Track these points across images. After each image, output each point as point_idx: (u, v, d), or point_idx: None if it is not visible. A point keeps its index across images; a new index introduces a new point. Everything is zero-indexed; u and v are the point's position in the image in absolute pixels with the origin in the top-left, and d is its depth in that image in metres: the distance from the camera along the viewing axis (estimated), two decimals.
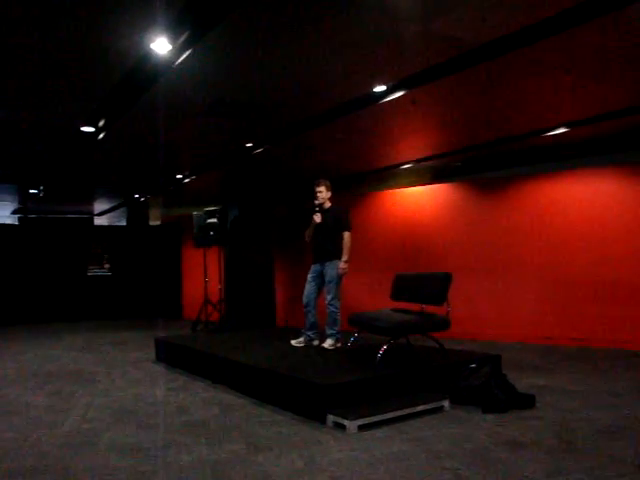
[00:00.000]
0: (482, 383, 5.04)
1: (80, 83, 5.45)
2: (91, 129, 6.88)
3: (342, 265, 6.39)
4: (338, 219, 6.50)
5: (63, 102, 6.02)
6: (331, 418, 4.51)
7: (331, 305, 6.42)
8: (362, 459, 3.73)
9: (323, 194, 6.58)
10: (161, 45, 4.42)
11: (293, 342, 6.69)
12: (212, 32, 4.30)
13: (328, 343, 6.39)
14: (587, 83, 5.82)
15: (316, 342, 6.62)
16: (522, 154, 9.08)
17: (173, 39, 4.33)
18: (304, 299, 6.62)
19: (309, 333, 6.64)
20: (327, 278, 6.45)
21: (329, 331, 6.44)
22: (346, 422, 4.36)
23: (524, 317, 8.87)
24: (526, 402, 4.96)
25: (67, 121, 6.64)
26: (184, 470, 3.60)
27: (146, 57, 4.71)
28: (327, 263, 6.46)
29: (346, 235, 6.43)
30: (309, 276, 6.62)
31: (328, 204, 6.63)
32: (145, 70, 5.00)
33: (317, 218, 6.53)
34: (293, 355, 6.14)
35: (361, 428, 4.35)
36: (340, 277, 6.43)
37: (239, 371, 5.87)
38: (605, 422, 4.44)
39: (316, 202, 6.60)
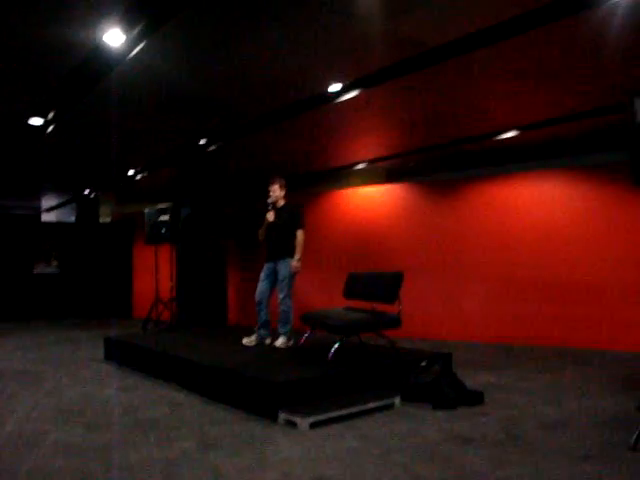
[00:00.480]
0: (432, 380, 5.11)
1: (29, 74, 5.31)
2: (40, 121, 6.70)
3: (294, 263, 6.38)
4: (291, 217, 6.48)
5: (10, 93, 5.85)
6: (282, 416, 4.50)
7: (283, 304, 6.40)
8: (314, 456, 3.73)
9: (277, 192, 6.55)
10: (114, 36, 4.35)
11: (245, 340, 6.65)
12: (167, 25, 4.26)
13: (280, 341, 6.38)
14: (539, 87, 5.98)
15: (268, 340, 6.60)
16: (475, 156, 9.25)
17: (127, 30, 4.27)
18: (257, 297, 6.58)
19: (261, 331, 6.61)
20: (279, 276, 6.44)
21: (281, 329, 6.43)
22: (297, 420, 4.35)
23: (475, 316, 9.03)
24: (475, 399, 5.05)
25: (14, 113, 6.45)
26: (133, 469, 3.53)
27: (99, 48, 4.63)
28: (280, 261, 6.44)
29: (299, 233, 6.43)
30: (262, 274, 6.59)
31: (282, 202, 6.61)
32: (97, 62, 4.91)
33: (270, 217, 6.50)
34: (244, 353, 6.11)
35: (313, 426, 4.36)
36: (293, 275, 6.42)
37: (190, 369, 5.81)
38: (551, 417, 4.57)
39: (269, 200, 6.57)
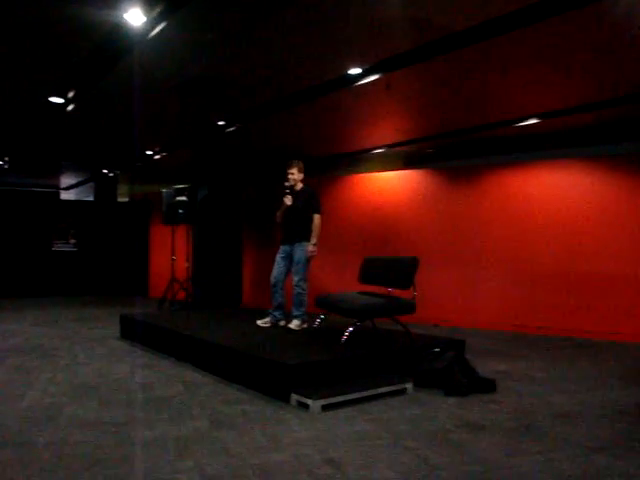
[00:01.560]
0: (445, 367, 5.11)
1: (50, 52, 5.33)
2: (60, 100, 6.73)
3: (311, 248, 6.39)
4: (309, 201, 6.48)
5: (31, 71, 5.88)
6: (295, 397, 4.53)
7: (298, 286, 6.42)
8: (325, 438, 3.76)
9: (295, 176, 6.55)
10: (135, 16, 4.34)
11: (259, 322, 6.69)
12: (188, 5, 4.23)
13: (294, 324, 6.40)
14: (560, 75, 5.89)
15: (282, 322, 6.64)
16: (494, 143, 9.17)
17: (147, 10, 4.26)
18: (272, 279, 6.61)
19: (276, 313, 6.65)
20: (295, 259, 6.45)
21: (295, 312, 6.46)
22: (310, 402, 4.38)
23: (490, 304, 9.01)
24: (487, 386, 5.05)
25: (35, 91, 6.49)
26: (146, 445, 3.59)
27: (119, 28, 4.62)
28: (296, 244, 6.45)
29: (316, 218, 6.43)
30: (278, 256, 6.61)
31: (300, 186, 6.61)
32: (118, 41, 4.91)
33: (288, 200, 6.50)
34: (259, 334, 6.15)
35: (325, 408, 4.39)
36: (308, 259, 6.43)
37: (204, 349, 5.86)
38: (564, 407, 4.56)
39: (287, 184, 6.56)
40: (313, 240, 6.39)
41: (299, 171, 6.57)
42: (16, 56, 5.42)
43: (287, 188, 6.54)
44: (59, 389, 4.98)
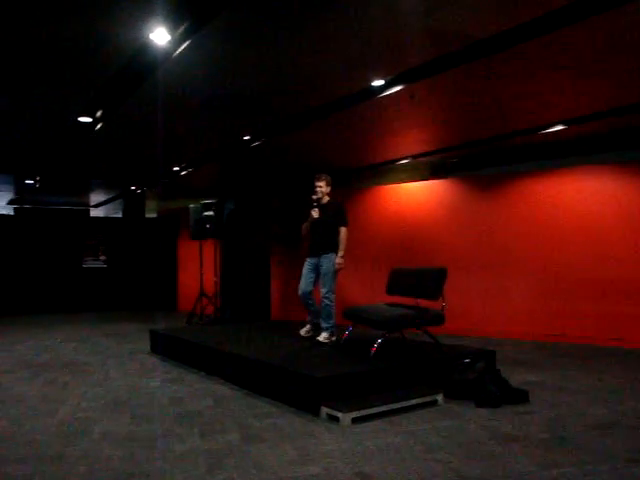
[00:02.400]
0: (476, 378, 5.06)
1: (78, 73, 5.44)
2: (88, 119, 6.86)
3: (338, 260, 6.38)
4: (336, 214, 6.50)
5: (61, 92, 6.01)
6: (325, 410, 4.52)
7: (326, 298, 6.42)
8: (355, 451, 3.74)
9: (323, 188, 6.57)
10: (160, 35, 4.41)
11: (302, 332, 6.73)
12: (211, 23, 4.29)
13: (323, 336, 6.40)
14: (585, 80, 5.84)
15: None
16: (519, 151, 9.10)
17: (172, 29, 4.32)
18: (300, 292, 6.61)
19: (315, 321, 6.69)
20: (323, 271, 6.45)
21: (324, 324, 6.45)
22: (340, 414, 4.37)
23: (519, 314, 8.89)
24: (519, 397, 4.98)
25: (64, 111, 6.63)
26: (178, 459, 3.60)
27: (145, 47, 4.70)
28: (322, 256, 6.45)
29: (343, 230, 6.43)
30: (304, 269, 6.62)
31: (327, 199, 6.63)
32: (144, 60, 4.98)
33: (315, 213, 6.52)
34: (287, 347, 6.15)
35: (355, 421, 4.37)
36: (335, 271, 6.43)
37: (233, 363, 5.88)
38: (597, 417, 4.47)
39: (314, 197, 6.58)
40: (340, 252, 6.39)
41: (327, 184, 6.59)
42: (45, 77, 5.54)
43: (315, 201, 6.56)
44: (91, 404, 5.04)
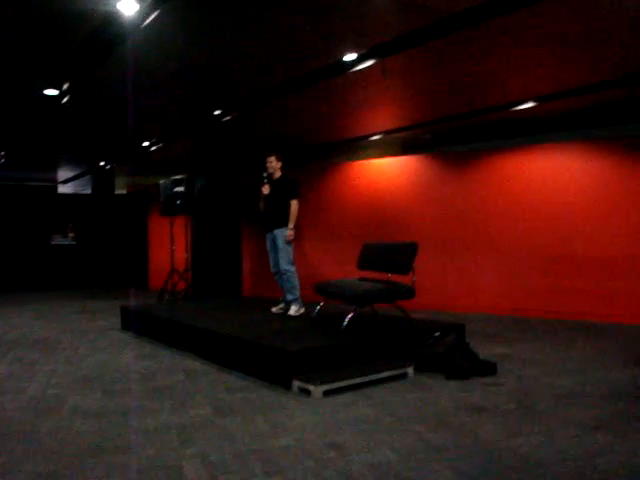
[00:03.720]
0: (446, 351, 5.14)
1: (43, 43, 5.30)
2: (55, 92, 6.71)
3: (288, 232, 6.44)
4: (286, 188, 6.55)
5: (25, 64, 5.85)
6: (296, 384, 4.55)
7: (286, 271, 6.49)
8: (327, 423, 3.78)
9: (273, 164, 6.66)
10: (128, 5, 4.32)
11: (273, 309, 6.76)
12: None
13: (293, 310, 6.46)
14: (557, 57, 5.88)
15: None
16: (491, 128, 9.17)
17: None
18: (272, 268, 6.67)
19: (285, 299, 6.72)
20: (278, 246, 6.52)
21: (290, 297, 6.51)
22: (311, 387, 4.40)
23: (489, 289, 9.02)
24: (488, 369, 5.06)
25: (30, 84, 6.47)
26: (149, 433, 3.60)
27: (112, 17, 4.60)
28: (276, 231, 6.53)
29: (293, 203, 6.46)
30: (267, 246, 6.71)
31: (278, 174, 6.69)
32: (111, 31, 4.89)
33: (265, 190, 6.62)
34: (259, 322, 6.16)
35: (326, 394, 4.41)
36: (289, 243, 6.49)
37: (205, 338, 5.88)
38: (563, 388, 4.58)
39: (265, 174, 6.67)
40: (290, 224, 6.44)
41: (277, 160, 6.67)
42: (9, 49, 5.39)
43: (265, 177, 6.64)
44: (61, 380, 5.00)
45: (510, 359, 5.64)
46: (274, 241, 6.59)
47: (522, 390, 4.54)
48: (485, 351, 5.72)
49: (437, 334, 5.45)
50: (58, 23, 4.79)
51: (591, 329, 7.38)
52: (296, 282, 6.51)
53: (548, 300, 8.42)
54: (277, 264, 6.61)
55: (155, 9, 4.42)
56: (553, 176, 8.54)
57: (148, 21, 4.61)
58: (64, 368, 5.48)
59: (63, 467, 3.08)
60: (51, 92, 6.69)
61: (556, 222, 8.42)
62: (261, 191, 6.64)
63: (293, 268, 6.52)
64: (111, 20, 4.65)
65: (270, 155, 6.67)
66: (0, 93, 6.91)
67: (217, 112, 7.96)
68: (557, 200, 8.45)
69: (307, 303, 6.64)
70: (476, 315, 8.56)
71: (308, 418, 3.89)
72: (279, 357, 4.78)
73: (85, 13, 4.55)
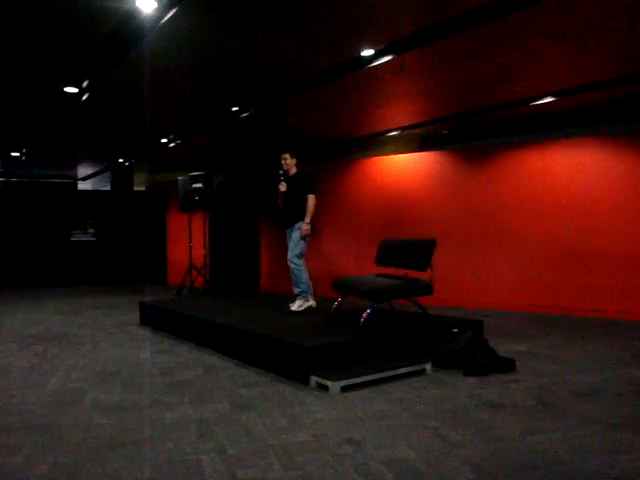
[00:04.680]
0: (464, 347, 5.11)
1: (63, 42, 5.35)
2: (74, 90, 6.77)
3: (304, 226, 6.44)
4: (302, 184, 6.57)
5: (46, 62, 5.91)
6: (314, 379, 4.56)
7: (292, 262, 6.52)
8: (344, 418, 3.78)
9: (288, 161, 6.69)
10: (146, 3, 4.34)
11: (296, 305, 6.74)
12: None
13: (295, 305, 6.51)
14: (575, 53, 5.81)
15: (313, 303, 6.67)
16: (508, 123, 9.08)
17: None
18: None
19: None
20: (292, 239, 6.58)
21: (295, 290, 6.56)
22: (329, 383, 4.41)
23: (508, 285, 8.96)
24: (506, 366, 5.04)
25: (50, 82, 6.53)
26: (168, 427, 3.63)
27: (131, 15, 4.63)
28: (295, 226, 6.57)
29: (310, 198, 6.48)
30: (288, 242, 6.71)
31: (294, 171, 6.72)
32: (130, 28, 4.91)
33: (282, 187, 6.66)
34: (277, 318, 6.18)
35: (344, 389, 4.41)
36: (304, 238, 6.50)
37: (223, 334, 5.91)
38: (582, 385, 4.54)
39: (280, 171, 6.70)
40: (306, 219, 6.45)
41: (292, 157, 6.71)
42: (30, 47, 5.44)
43: (281, 175, 6.68)
44: (81, 375, 5.05)
45: (529, 356, 5.60)
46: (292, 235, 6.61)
47: (541, 387, 4.51)
48: (503, 347, 5.69)
49: (455, 330, 5.43)
50: (78, 21, 4.82)
51: (610, 326, 7.30)
52: (302, 276, 6.51)
53: (566, 296, 8.34)
54: None
55: (173, 7, 4.43)
56: (572, 172, 8.45)
57: (166, 18, 4.63)
58: (84, 362, 5.54)
59: (83, 460, 3.11)
60: (71, 90, 6.75)
61: (575, 218, 8.34)
62: (278, 188, 6.67)
63: (300, 261, 6.54)
64: (130, 18, 4.68)
65: (284, 152, 6.70)
66: (21, 91, 6.98)
67: (235, 109, 7.98)
68: (576, 196, 8.37)
69: (325, 299, 6.64)
70: (494, 311, 8.51)
71: (326, 414, 3.89)
72: (297, 353, 4.79)
73: (105, 11, 4.58)
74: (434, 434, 3.46)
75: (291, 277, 6.59)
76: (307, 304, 6.53)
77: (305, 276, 6.53)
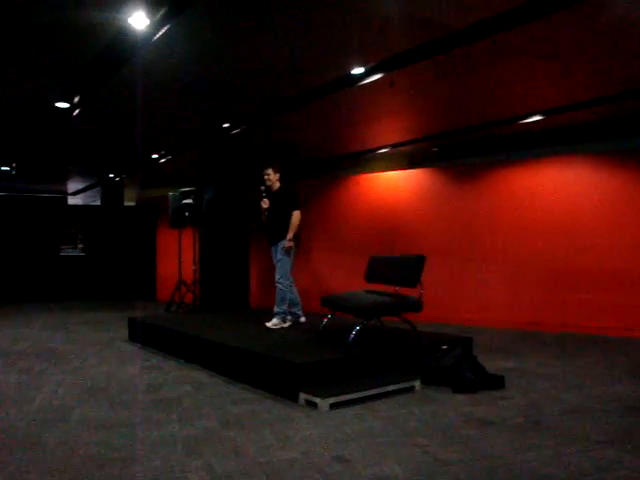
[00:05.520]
0: (453, 364, 5.12)
1: (55, 57, 5.36)
2: (66, 105, 6.77)
3: (286, 242, 6.43)
4: (286, 200, 6.55)
5: (37, 77, 5.91)
6: (303, 396, 4.54)
7: (279, 283, 6.52)
8: (334, 436, 3.77)
9: (271, 176, 6.66)
10: (139, 19, 4.36)
11: (272, 323, 6.73)
12: (191, 8, 4.25)
13: (272, 322, 6.52)
14: (563, 71, 5.88)
15: (302, 319, 6.72)
16: (498, 141, 9.16)
17: (151, 13, 4.27)
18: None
19: (292, 310, 6.75)
20: (276, 258, 6.56)
21: (276, 309, 6.56)
22: (318, 400, 4.39)
23: (497, 302, 8.98)
24: (496, 383, 5.04)
25: (41, 97, 6.53)
26: (155, 445, 3.60)
27: (123, 32, 4.64)
28: (278, 244, 6.56)
29: (294, 214, 6.47)
30: (273, 259, 6.74)
31: (277, 185, 6.70)
32: (122, 45, 4.93)
33: (264, 204, 6.63)
34: (266, 335, 6.16)
35: (333, 406, 4.40)
36: (288, 255, 6.49)
37: (211, 350, 5.88)
38: (572, 402, 4.54)
39: (262, 187, 6.66)
40: (289, 235, 6.43)
41: (275, 172, 6.67)
42: (21, 61, 5.45)
43: (263, 191, 6.64)
44: (69, 391, 5.01)
45: (518, 373, 5.61)
46: (277, 253, 6.61)
47: (530, 404, 4.51)
48: (493, 364, 5.69)
49: (444, 347, 5.43)
50: (70, 37, 4.83)
51: (600, 343, 7.33)
52: (286, 296, 6.52)
53: (556, 313, 8.37)
54: None
55: (165, 24, 4.45)
56: (561, 189, 8.52)
57: (158, 35, 4.65)
58: (71, 379, 5.49)
59: (69, 477, 3.08)
60: (62, 105, 6.75)
61: (564, 235, 8.39)
62: (260, 205, 6.63)
63: (288, 282, 6.54)
64: (122, 34, 4.69)
65: (267, 167, 6.65)
66: (12, 105, 6.97)
67: (226, 125, 8.00)
68: (565, 213, 8.43)
69: (314, 315, 6.64)
70: (484, 328, 8.52)
71: (315, 431, 3.88)
72: (286, 369, 4.77)
73: (97, 27, 4.59)
74: (423, 452, 3.45)
75: (276, 296, 6.58)
76: (283, 325, 6.55)
77: (290, 296, 6.54)
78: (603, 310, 8.00)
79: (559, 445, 3.54)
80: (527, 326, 8.52)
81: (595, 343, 7.32)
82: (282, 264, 6.50)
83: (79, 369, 5.96)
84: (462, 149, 9.76)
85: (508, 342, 7.46)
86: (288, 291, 6.51)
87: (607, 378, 5.39)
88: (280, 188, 6.69)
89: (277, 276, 6.52)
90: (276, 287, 6.53)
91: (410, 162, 10.51)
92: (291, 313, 6.73)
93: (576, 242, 8.28)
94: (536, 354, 6.61)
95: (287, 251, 6.45)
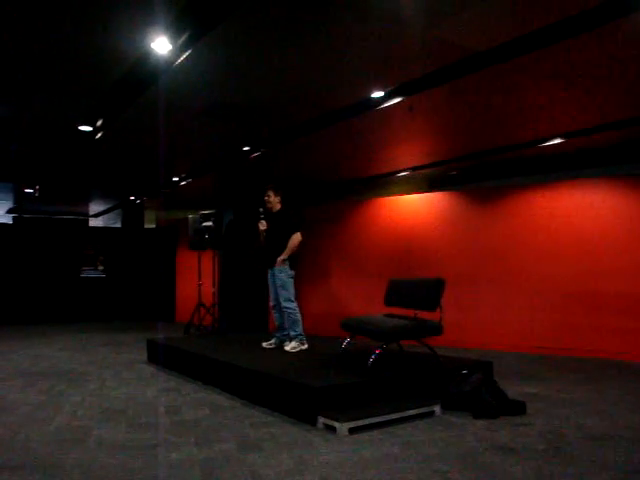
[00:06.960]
0: (473, 389, 5.05)
1: (79, 81, 5.45)
2: (89, 128, 6.88)
3: (278, 259, 6.43)
4: (286, 222, 6.55)
5: (61, 100, 6.02)
6: (322, 420, 4.51)
7: (287, 308, 6.51)
8: (352, 460, 3.73)
9: (271, 198, 6.68)
10: (161, 44, 4.43)
11: (264, 344, 6.79)
12: (212, 33, 4.32)
13: (291, 345, 6.50)
14: (583, 94, 5.87)
15: (286, 343, 6.70)
16: (518, 164, 9.13)
17: (173, 39, 4.34)
18: (271, 302, 6.79)
19: (277, 334, 6.80)
20: (277, 283, 6.54)
21: (291, 333, 6.55)
22: (337, 424, 4.36)
23: (517, 326, 8.88)
24: (517, 409, 4.96)
25: (65, 120, 6.64)
26: (173, 468, 3.59)
27: (146, 56, 4.72)
28: (276, 267, 6.53)
29: (293, 236, 6.47)
30: (269, 281, 6.73)
31: (278, 207, 6.71)
32: (145, 69, 5.00)
33: (261, 226, 6.66)
34: (284, 357, 6.14)
35: (352, 431, 4.35)
36: (290, 278, 6.48)
37: (231, 373, 5.87)
38: (594, 429, 4.46)
39: (260, 209, 6.69)
40: (283, 255, 6.43)
41: (275, 194, 6.68)
42: (46, 85, 5.56)
43: (261, 213, 6.67)
44: (87, 412, 5.02)
45: (540, 398, 5.52)
46: (274, 276, 6.61)
47: (552, 430, 4.43)
48: (513, 389, 5.61)
49: (464, 372, 5.37)
50: (94, 60, 4.93)
51: (621, 368, 7.20)
52: (298, 318, 6.52)
53: (578, 338, 8.25)
54: (274, 301, 6.69)
55: (187, 49, 4.53)
56: (582, 212, 8.46)
57: (180, 60, 4.73)
58: (90, 400, 5.51)
59: None
60: (85, 128, 6.86)
61: (584, 258, 8.31)
62: (258, 227, 6.64)
63: (294, 304, 6.54)
64: (145, 59, 4.78)
65: (267, 190, 6.68)
66: (36, 128, 7.10)
67: (246, 148, 8.07)
68: (585, 236, 8.36)
69: (334, 339, 6.61)
70: (504, 353, 8.42)
71: (333, 455, 3.84)
72: (305, 393, 4.74)
73: (121, 52, 4.69)
74: (443, 478, 3.40)
75: (286, 320, 6.58)
76: (302, 347, 6.54)
77: (300, 317, 6.53)
78: (624, 334, 7.87)
79: (583, 473, 3.46)
80: (548, 350, 8.40)
81: (617, 368, 7.19)
82: (285, 289, 6.50)
83: (98, 390, 5.98)
84: (481, 172, 9.73)
85: (528, 366, 7.36)
86: (297, 312, 6.51)
87: (630, 405, 5.28)
88: (281, 210, 6.70)
89: (281, 300, 6.52)
90: (284, 312, 6.52)
91: (430, 185, 10.50)
92: (275, 336, 6.78)
93: (598, 265, 8.19)
94: (557, 379, 6.51)
95: (287, 274, 6.44)
